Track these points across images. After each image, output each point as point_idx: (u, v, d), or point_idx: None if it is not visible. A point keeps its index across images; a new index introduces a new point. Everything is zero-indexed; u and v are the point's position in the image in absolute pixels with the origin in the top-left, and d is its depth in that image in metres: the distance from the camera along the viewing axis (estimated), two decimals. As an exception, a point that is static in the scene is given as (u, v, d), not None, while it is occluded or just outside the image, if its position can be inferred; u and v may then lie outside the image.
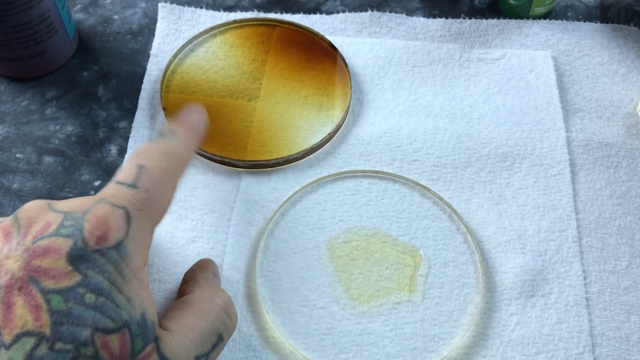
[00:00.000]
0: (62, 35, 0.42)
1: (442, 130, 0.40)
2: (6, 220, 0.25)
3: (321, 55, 0.43)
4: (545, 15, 0.47)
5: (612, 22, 0.47)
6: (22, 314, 0.22)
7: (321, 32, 0.45)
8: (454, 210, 0.37)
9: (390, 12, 0.47)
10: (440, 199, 0.37)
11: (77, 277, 0.23)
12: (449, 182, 0.38)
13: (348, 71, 0.42)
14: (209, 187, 0.38)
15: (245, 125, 0.40)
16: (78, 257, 0.23)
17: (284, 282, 0.34)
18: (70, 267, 0.23)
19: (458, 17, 0.47)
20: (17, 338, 0.22)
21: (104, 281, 0.23)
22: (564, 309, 0.33)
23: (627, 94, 0.43)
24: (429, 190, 0.38)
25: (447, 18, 0.46)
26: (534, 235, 0.36)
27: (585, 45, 0.45)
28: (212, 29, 0.44)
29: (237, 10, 0.47)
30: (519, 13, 0.46)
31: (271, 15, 0.46)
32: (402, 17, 0.46)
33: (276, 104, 0.41)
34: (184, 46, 0.43)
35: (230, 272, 0.34)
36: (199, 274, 0.31)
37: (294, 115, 0.40)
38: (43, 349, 0.22)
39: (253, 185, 0.38)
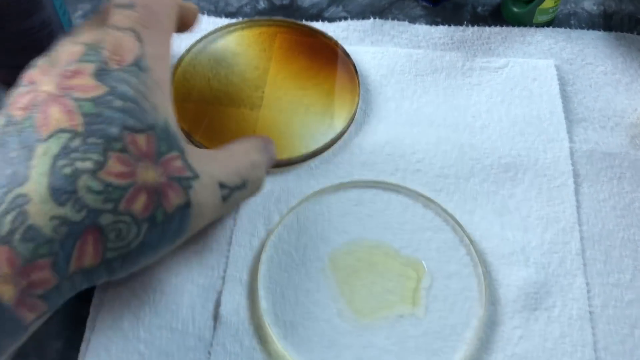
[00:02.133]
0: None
1: (445, 140, 0.40)
2: (40, 60, 0.28)
3: (328, 61, 0.43)
4: (549, 23, 0.47)
5: (616, 30, 0.47)
6: (58, 117, 0.25)
7: (323, 40, 0.44)
8: (457, 222, 0.37)
9: (393, 19, 0.46)
10: (444, 210, 0.37)
11: (105, 88, 0.26)
12: (452, 193, 0.38)
13: (358, 78, 0.42)
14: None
15: (248, 134, 0.40)
16: (103, 74, 0.26)
17: (286, 294, 0.34)
18: (97, 82, 0.26)
19: (461, 24, 0.47)
20: (53, 134, 0.25)
21: (129, 89, 0.26)
22: (567, 323, 0.33)
23: (630, 104, 0.42)
24: (432, 201, 0.37)
25: (449, 25, 0.46)
26: (537, 248, 0.36)
27: (589, 54, 0.45)
28: (213, 32, 0.44)
29: (239, 16, 0.46)
30: (522, 21, 0.46)
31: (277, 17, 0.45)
32: (404, 25, 0.46)
33: (279, 112, 0.41)
34: (185, 53, 0.43)
35: (232, 284, 0.34)
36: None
37: (296, 123, 0.40)
38: (77, 142, 0.25)
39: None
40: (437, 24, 0.47)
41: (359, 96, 0.41)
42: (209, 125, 0.40)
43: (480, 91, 0.43)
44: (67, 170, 0.24)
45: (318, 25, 0.46)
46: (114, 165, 0.25)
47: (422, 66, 0.44)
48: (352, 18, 0.47)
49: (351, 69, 0.42)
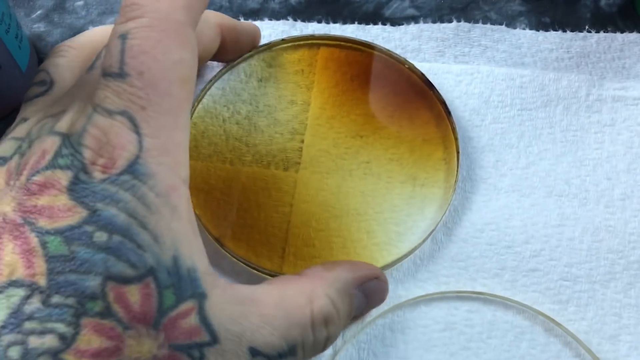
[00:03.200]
0: (11, 71, 0.28)
1: (571, 219, 0.27)
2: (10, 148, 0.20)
3: (405, 94, 0.29)
4: None
5: None
6: (11, 261, 0.18)
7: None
8: (596, 358, 0.25)
9: (483, 20, 0.33)
10: (574, 337, 0.25)
11: (83, 213, 0.18)
12: (585, 307, 0.26)
13: (452, 124, 0.28)
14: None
15: (281, 212, 0.27)
16: (82, 189, 0.18)
17: None
18: (73, 201, 0.18)
19: (579, 27, 0.33)
20: (2, 289, 0.17)
21: (119, 214, 0.18)
22: None
23: None
24: (557, 323, 0.25)
25: (564, 31, 0.32)
26: None
27: None
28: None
29: (263, 16, 0.33)
30: (668, 23, 0.32)
31: (313, 31, 0.32)
32: (500, 30, 0.32)
33: (326, 174, 0.28)
34: (203, 91, 0.30)
35: None
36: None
37: (356, 194, 0.27)
38: (35, 303, 0.17)
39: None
40: (545, 26, 0.33)
41: (458, 153, 0.28)
42: (221, 200, 0.27)
43: (615, 136, 0.29)
44: (15, 352, 0.16)
45: (378, 29, 0.32)
46: (89, 339, 0.17)
47: (530, 95, 0.30)
48: (424, 18, 0.33)
49: (438, 107, 0.29)
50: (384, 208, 0.27)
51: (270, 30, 0.32)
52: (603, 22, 0.33)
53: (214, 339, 0.19)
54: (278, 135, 0.29)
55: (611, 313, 0.26)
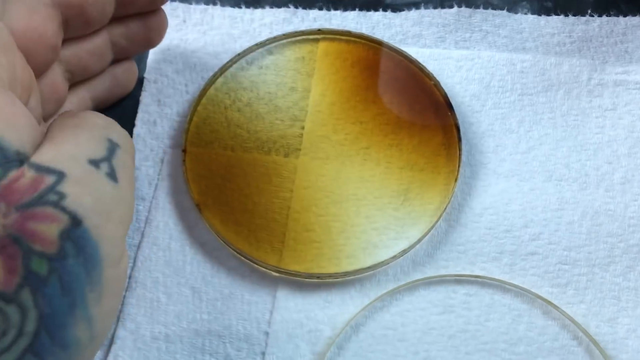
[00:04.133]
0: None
1: (571, 203, 0.27)
2: None
3: (404, 80, 0.30)
4: None
5: None
6: None
7: (386, 39, 0.31)
8: (593, 340, 0.25)
9: (485, 5, 0.33)
10: (572, 320, 0.25)
11: None
12: (583, 291, 0.26)
13: (453, 111, 0.29)
14: (233, 298, 0.26)
15: (282, 197, 0.27)
16: None
17: None
18: None
19: (582, 12, 0.32)
20: None
21: None
22: None
23: None
24: (555, 306, 0.25)
25: (566, 15, 0.32)
26: None
27: None
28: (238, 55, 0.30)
29: (264, 4, 0.33)
30: (672, 6, 0.32)
31: (315, 19, 0.32)
32: (502, 15, 0.32)
33: (326, 160, 0.28)
34: (208, 84, 0.30)
35: None
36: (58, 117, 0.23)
37: (355, 179, 0.28)
38: None
39: (295, 296, 0.26)
40: (547, 11, 0.33)
41: (460, 153, 0.28)
42: (222, 186, 0.27)
43: (616, 120, 0.29)
44: None
45: (379, 15, 0.32)
46: None
47: (531, 80, 0.30)
48: (425, 4, 0.33)
49: (436, 93, 0.29)
50: (383, 193, 0.27)
51: (271, 17, 0.32)
52: (606, 6, 0.33)
53: (60, 174, 0.18)
54: (279, 121, 0.29)
55: (610, 296, 0.26)
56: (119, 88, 0.29)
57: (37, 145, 0.19)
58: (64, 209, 0.18)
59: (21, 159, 0.18)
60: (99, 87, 0.28)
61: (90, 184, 0.19)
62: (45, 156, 0.19)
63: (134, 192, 0.21)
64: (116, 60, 0.28)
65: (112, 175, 0.20)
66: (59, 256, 0.17)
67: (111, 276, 0.19)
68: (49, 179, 0.18)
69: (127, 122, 0.30)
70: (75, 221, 0.18)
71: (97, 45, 0.26)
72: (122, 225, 0.19)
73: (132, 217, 0.21)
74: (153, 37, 0.28)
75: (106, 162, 0.20)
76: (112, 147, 0.20)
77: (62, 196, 0.18)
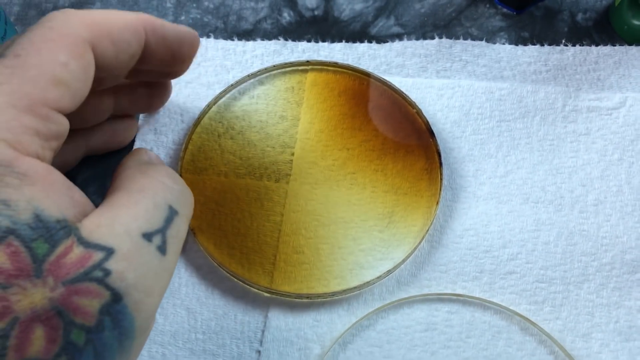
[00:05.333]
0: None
1: (547, 224, 0.29)
2: None
3: (388, 109, 0.31)
4: (677, 37, 0.34)
5: None
6: None
7: (371, 69, 0.33)
8: (569, 355, 0.26)
9: (465, 35, 0.34)
10: (549, 336, 0.26)
11: None
12: (559, 307, 0.27)
13: (434, 137, 0.30)
14: (227, 318, 0.27)
15: (273, 221, 0.29)
16: None
17: None
18: None
19: (556, 41, 0.34)
20: None
21: None
22: None
23: None
24: (532, 323, 0.27)
25: (541, 45, 0.34)
26: (689, 400, 0.25)
27: None
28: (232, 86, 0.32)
29: (256, 36, 0.35)
30: (642, 35, 0.34)
31: (303, 50, 0.34)
32: (481, 46, 0.34)
33: (315, 184, 0.30)
34: (202, 114, 0.31)
35: None
36: (128, 161, 0.25)
37: (343, 203, 0.29)
38: None
39: (286, 315, 0.27)
40: (524, 41, 0.34)
41: (441, 179, 0.29)
42: (216, 210, 0.29)
43: (589, 145, 0.31)
44: None
45: (364, 47, 0.34)
46: None
47: (508, 107, 0.32)
48: (408, 35, 0.35)
49: (419, 121, 0.31)
50: (369, 216, 0.29)
51: (262, 49, 0.34)
52: (579, 35, 0.35)
53: (109, 250, 0.19)
54: (270, 148, 0.30)
55: (584, 312, 0.27)
56: (116, 142, 0.30)
57: (78, 207, 0.20)
58: (107, 286, 0.18)
59: (63, 226, 0.19)
60: (97, 139, 0.29)
61: (138, 258, 0.19)
62: (96, 233, 0.19)
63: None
64: (114, 116, 0.29)
65: (162, 249, 0.20)
66: (97, 329, 0.18)
67: (140, 343, 0.20)
68: (97, 256, 0.19)
69: (125, 150, 0.31)
70: (117, 297, 0.19)
71: (101, 101, 0.27)
72: (160, 296, 0.20)
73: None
74: (155, 104, 0.30)
75: (160, 234, 0.20)
76: (170, 216, 0.21)
77: (107, 273, 0.19)
